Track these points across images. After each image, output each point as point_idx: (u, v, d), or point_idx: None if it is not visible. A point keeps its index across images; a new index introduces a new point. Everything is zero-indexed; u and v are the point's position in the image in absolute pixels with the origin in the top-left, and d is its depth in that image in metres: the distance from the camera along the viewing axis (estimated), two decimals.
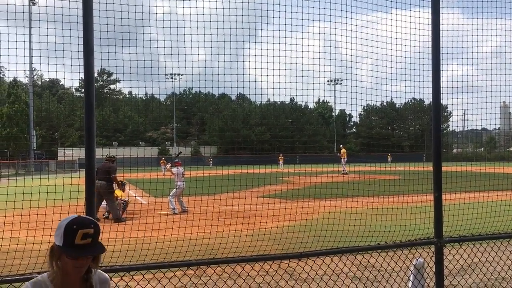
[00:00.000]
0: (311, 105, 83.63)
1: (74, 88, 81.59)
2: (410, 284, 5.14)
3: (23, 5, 4.17)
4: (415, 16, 5.14)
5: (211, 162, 51.98)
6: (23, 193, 4.80)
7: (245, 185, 6.93)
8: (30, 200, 4.84)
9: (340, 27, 4.90)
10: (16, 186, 4.89)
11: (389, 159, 52.15)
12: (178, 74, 6.87)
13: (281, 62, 4.76)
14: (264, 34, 4.75)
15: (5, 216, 9.70)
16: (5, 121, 57.09)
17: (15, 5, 3.97)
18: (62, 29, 4.02)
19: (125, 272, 3.91)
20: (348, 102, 5.39)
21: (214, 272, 4.75)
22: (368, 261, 5.93)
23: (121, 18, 4.08)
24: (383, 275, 6.10)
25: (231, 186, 6.14)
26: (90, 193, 3.68)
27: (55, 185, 4.89)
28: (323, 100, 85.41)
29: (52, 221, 3.94)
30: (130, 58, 4.40)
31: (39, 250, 3.67)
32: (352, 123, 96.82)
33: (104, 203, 13.86)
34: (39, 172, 37.27)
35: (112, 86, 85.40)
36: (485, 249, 6.21)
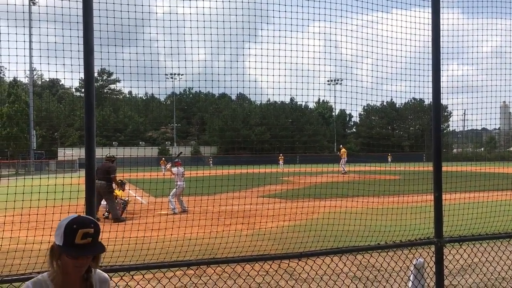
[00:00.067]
0: (311, 105, 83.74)
1: (74, 88, 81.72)
2: (410, 284, 5.14)
3: (23, 5, 4.17)
4: (415, 16, 5.14)
5: (211, 162, 51.97)
6: (23, 193, 4.79)
7: (245, 185, 6.92)
8: (30, 200, 4.84)
9: (340, 27, 4.90)
10: (16, 186, 4.88)
11: (389, 159, 52.19)
12: (178, 74, 6.88)
13: (281, 62, 4.76)
14: (264, 34, 4.75)
15: (5, 216, 9.69)
16: (5, 121, 57.10)
17: (15, 5, 3.97)
18: (62, 29, 4.03)
19: (125, 272, 3.91)
20: (348, 102, 5.39)
21: (214, 272, 4.75)
22: (368, 261, 5.93)
23: (121, 18, 4.08)
24: (383, 275, 6.10)
25: (231, 186, 6.14)
26: (90, 193, 3.68)
27: (55, 185, 4.89)
28: (323, 100, 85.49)
29: (52, 221, 3.95)
30: (130, 58, 4.40)
31: (39, 250, 3.68)
32: (352, 123, 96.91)
33: (104, 202, 13.86)
34: (39, 172, 37.28)
35: (112, 86, 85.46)
36: (485, 249, 6.21)
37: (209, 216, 9.64)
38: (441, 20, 4.79)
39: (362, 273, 6.61)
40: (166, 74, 10.12)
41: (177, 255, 5.53)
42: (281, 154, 56.33)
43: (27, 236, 6.84)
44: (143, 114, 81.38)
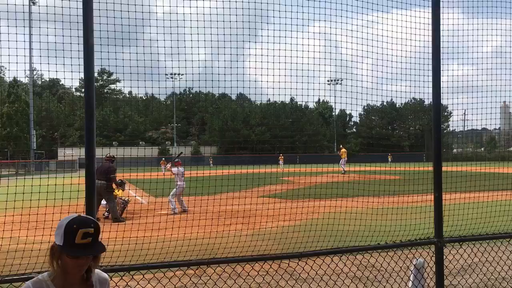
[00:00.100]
0: (311, 105, 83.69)
1: (74, 88, 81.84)
2: (410, 284, 5.13)
3: (23, 5, 4.17)
4: (415, 16, 5.14)
5: (211, 162, 51.99)
6: (23, 193, 4.80)
7: (245, 185, 6.92)
8: (30, 200, 4.84)
9: (340, 27, 4.89)
10: (16, 186, 4.88)
11: (390, 159, 52.22)
12: (178, 74, 6.86)
13: (281, 62, 4.76)
14: (264, 34, 4.75)
15: (5, 216, 9.69)
16: (5, 120, 57.13)
17: (15, 5, 3.97)
18: (62, 29, 4.02)
19: (125, 272, 3.91)
20: (348, 102, 5.39)
21: (214, 272, 4.75)
22: (368, 261, 5.93)
23: (121, 18, 4.07)
24: (383, 275, 6.10)
25: (231, 186, 6.14)
26: (90, 192, 3.68)
27: (55, 185, 4.89)
28: (323, 100, 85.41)
29: (52, 221, 3.95)
30: (130, 58, 4.40)
31: (39, 250, 3.68)
32: (352, 123, 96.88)
33: (104, 202, 13.86)
34: (39, 172, 37.27)
35: (112, 86, 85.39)
36: (485, 249, 6.21)
37: (209, 216, 9.63)
38: (441, 20, 4.79)
39: (362, 273, 6.61)
40: (166, 74, 10.14)
41: (177, 255, 5.52)
42: (281, 154, 56.36)
43: (27, 236, 6.83)
44: (143, 114, 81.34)
